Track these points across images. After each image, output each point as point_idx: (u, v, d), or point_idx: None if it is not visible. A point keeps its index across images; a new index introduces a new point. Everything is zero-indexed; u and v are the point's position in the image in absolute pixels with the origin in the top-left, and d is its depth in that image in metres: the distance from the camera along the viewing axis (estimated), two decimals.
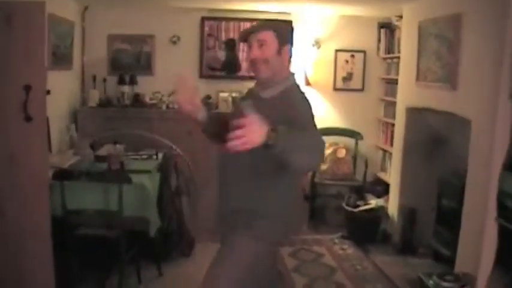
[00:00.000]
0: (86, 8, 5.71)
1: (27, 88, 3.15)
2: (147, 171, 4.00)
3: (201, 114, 2.56)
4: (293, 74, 2.58)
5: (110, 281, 3.93)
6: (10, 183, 3.26)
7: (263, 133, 2.00)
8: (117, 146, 4.23)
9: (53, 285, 3.43)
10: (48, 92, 3.37)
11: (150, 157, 4.48)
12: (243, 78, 5.95)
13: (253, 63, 2.47)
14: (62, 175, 3.62)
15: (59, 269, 3.50)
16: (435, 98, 4.43)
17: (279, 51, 2.46)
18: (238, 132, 1.96)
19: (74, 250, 3.69)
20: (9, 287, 2.88)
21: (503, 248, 2.99)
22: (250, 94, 2.65)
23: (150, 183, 3.88)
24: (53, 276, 3.43)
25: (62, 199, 3.58)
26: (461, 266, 3.58)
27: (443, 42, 4.29)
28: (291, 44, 2.53)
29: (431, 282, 2.79)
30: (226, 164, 2.54)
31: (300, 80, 5.64)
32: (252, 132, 1.98)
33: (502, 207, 3.28)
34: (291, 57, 2.55)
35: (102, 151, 4.33)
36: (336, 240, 5.37)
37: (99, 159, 4.19)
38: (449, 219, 4.22)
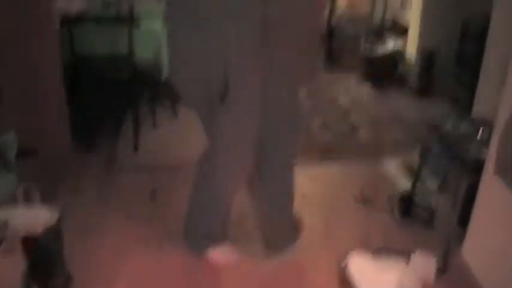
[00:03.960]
0: None
1: None
2: (158, 15, 3.84)
3: None
4: None
5: (126, 127, 3.96)
6: (16, 29, 3.15)
7: None
8: None
9: (68, 133, 3.47)
10: None
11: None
12: None
13: None
14: (70, 21, 3.50)
15: (74, 119, 3.51)
16: None
17: None
18: None
19: (87, 96, 3.67)
20: (26, 139, 2.89)
21: None
22: None
23: (161, 27, 3.74)
24: (68, 124, 3.45)
25: (71, 45, 3.51)
26: (478, 111, 3.53)
27: None
28: None
29: (448, 125, 2.76)
30: None
31: None
32: None
33: None
34: None
35: None
36: (352, 83, 5.32)
37: (106, 4, 4.01)
38: (470, 64, 4.10)
